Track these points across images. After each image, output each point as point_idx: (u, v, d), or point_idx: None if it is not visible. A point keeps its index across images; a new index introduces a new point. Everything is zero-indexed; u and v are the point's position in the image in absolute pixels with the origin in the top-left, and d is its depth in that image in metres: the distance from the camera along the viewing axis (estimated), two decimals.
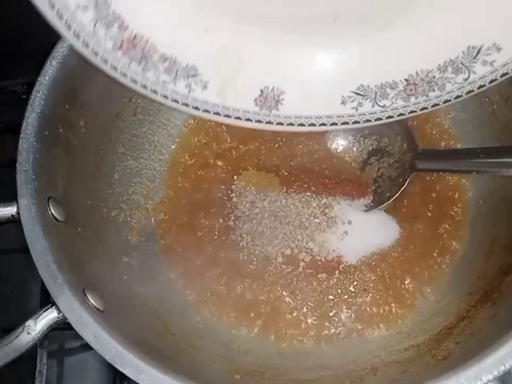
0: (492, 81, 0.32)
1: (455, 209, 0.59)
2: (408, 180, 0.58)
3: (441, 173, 0.59)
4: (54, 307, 0.42)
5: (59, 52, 0.52)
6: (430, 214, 0.59)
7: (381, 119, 0.34)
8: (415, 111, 0.33)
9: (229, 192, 0.62)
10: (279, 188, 0.60)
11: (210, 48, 0.33)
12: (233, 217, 0.61)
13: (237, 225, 0.60)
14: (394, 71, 0.33)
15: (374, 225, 0.58)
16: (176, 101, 0.34)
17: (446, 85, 0.33)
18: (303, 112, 0.34)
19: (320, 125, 0.34)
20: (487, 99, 0.60)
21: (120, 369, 0.40)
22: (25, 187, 0.47)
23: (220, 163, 0.64)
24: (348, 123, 0.34)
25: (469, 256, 0.56)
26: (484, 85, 0.32)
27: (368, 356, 0.52)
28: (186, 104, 0.34)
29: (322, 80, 0.34)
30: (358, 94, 0.33)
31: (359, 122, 0.34)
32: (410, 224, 0.58)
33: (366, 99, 0.33)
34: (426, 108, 0.34)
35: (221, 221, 0.61)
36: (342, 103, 0.34)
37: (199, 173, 0.64)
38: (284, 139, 0.64)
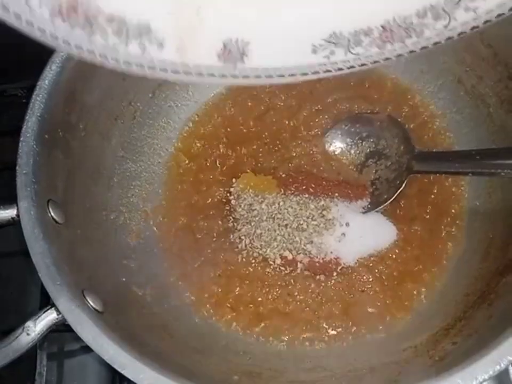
0: (473, 27, 0.30)
1: (452, 211, 0.59)
2: (405, 182, 0.58)
3: (438, 174, 0.59)
4: (53, 308, 0.43)
5: (59, 56, 0.53)
6: (427, 216, 0.59)
7: (354, 67, 0.32)
8: (390, 58, 0.31)
9: (228, 194, 0.63)
10: (277, 190, 0.61)
11: (163, 1, 0.30)
12: (231, 220, 0.61)
13: (236, 227, 0.60)
14: (370, 18, 0.31)
15: (371, 227, 0.58)
16: (128, 63, 0.31)
17: (424, 31, 0.31)
18: (271, 63, 0.31)
19: (290, 75, 0.32)
20: (482, 101, 0.60)
21: (119, 370, 0.40)
22: (25, 190, 0.47)
23: (218, 166, 0.64)
24: (318, 72, 0.32)
25: (466, 257, 0.57)
26: (465, 32, 0.30)
27: (365, 356, 0.52)
28: (140, 65, 0.32)
29: (291, 29, 0.32)
30: (330, 42, 0.31)
31: (330, 71, 0.32)
32: (407, 226, 0.59)
33: (339, 47, 0.31)
34: (402, 55, 0.31)
35: (220, 223, 0.61)
36: (313, 51, 0.31)
37: (198, 175, 0.64)
38: (282, 141, 0.64)
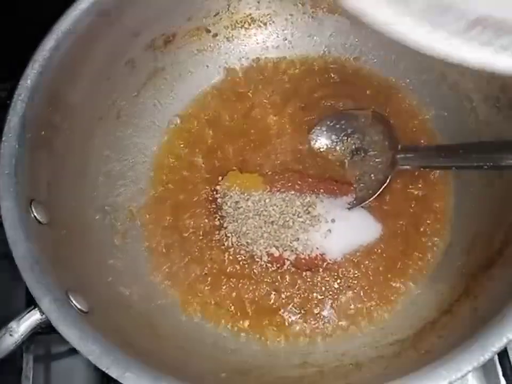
0: None
1: (437, 206, 0.59)
2: (390, 177, 0.58)
3: (422, 169, 0.60)
4: (36, 309, 0.42)
5: (41, 55, 0.52)
6: (412, 211, 0.59)
7: None
8: None
9: (214, 192, 0.62)
10: (262, 187, 0.61)
11: None
12: (218, 218, 0.61)
13: (222, 225, 0.60)
14: None
15: (357, 223, 0.59)
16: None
17: None
18: None
19: None
20: (466, 97, 0.61)
21: (104, 370, 0.40)
22: (7, 190, 0.47)
23: (204, 164, 0.64)
24: None
25: (451, 251, 0.57)
26: None
27: (353, 352, 0.52)
28: None
29: None
30: None
31: None
32: (392, 221, 0.59)
33: None
34: None
35: (206, 221, 0.61)
36: None
37: (184, 174, 0.64)
38: (268, 139, 0.64)
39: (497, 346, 0.38)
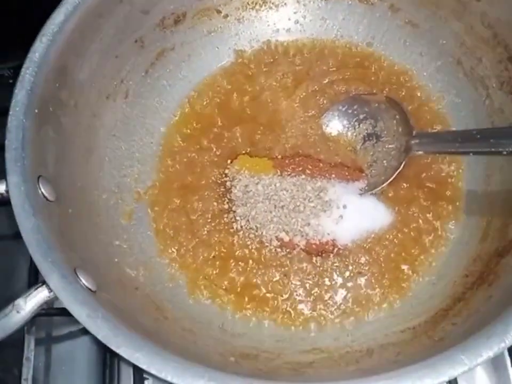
0: None
1: (450, 193, 0.59)
2: (403, 163, 0.57)
3: (437, 155, 0.59)
4: (44, 286, 0.41)
5: (50, 29, 0.51)
6: (425, 197, 0.58)
7: None
8: None
9: (222, 176, 0.61)
10: (273, 171, 0.60)
11: None
12: (226, 201, 0.60)
13: (231, 208, 0.59)
14: None
15: (369, 209, 0.58)
16: None
17: None
18: None
19: None
20: (482, 83, 0.60)
21: (114, 349, 0.38)
22: (14, 164, 0.45)
23: (213, 146, 0.63)
24: None
25: (465, 239, 0.56)
26: None
27: (363, 339, 0.51)
28: None
29: None
30: None
31: None
32: (405, 207, 0.58)
33: None
34: None
35: (215, 204, 0.60)
36: None
37: (192, 156, 0.62)
38: (278, 122, 0.63)
39: None
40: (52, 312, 0.57)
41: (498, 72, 0.57)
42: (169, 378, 0.37)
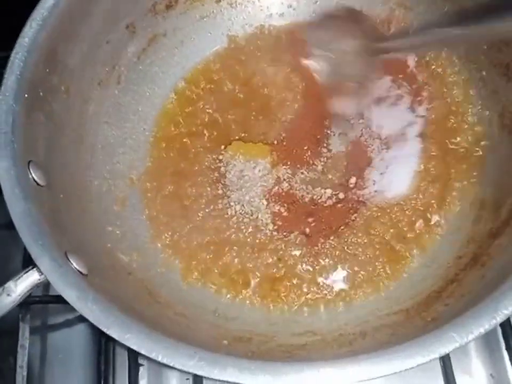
0: None
1: None
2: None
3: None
4: (35, 269, 0.41)
5: (39, 13, 0.51)
6: None
7: None
8: None
9: (217, 161, 0.61)
10: (268, 155, 0.59)
11: None
12: (221, 186, 0.60)
13: (225, 193, 0.59)
14: None
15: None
16: None
17: None
18: None
19: None
20: (475, 65, 0.59)
21: (104, 330, 0.38)
22: (4, 149, 0.45)
23: (206, 132, 0.63)
24: None
25: (458, 221, 0.56)
26: None
27: (356, 321, 0.51)
28: None
29: None
30: None
31: None
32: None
33: None
34: None
35: (208, 189, 0.60)
36: None
37: (185, 141, 0.62)
38: (271, 107, 0.63)
39: (509, 308, 0.37)
40: (46, 299, 0.57)
41: (492, 54, 0.57)
42: (159, 359, 0.37)
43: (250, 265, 0.55)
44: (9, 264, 0.63)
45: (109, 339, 0.48)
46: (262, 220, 0.57)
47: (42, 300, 0.57)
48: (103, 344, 0.55)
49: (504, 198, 0.52)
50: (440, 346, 0.37)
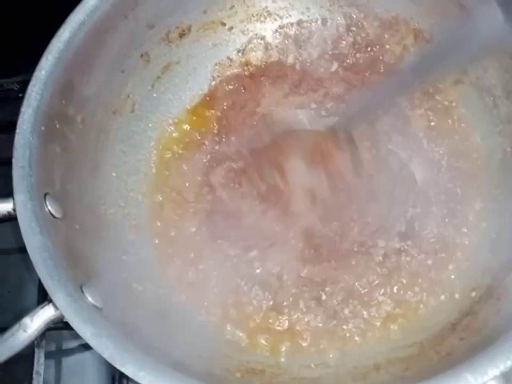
0: None
1: None
2: None
3: None
4: (50, 304, 0.41)
5: (55, 47, 0.52)
6: None
7: None
8: None
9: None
10: None
11: None
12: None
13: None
14: None
15: None
16: None
17: None
18: None
19: None
20: (488, 93, 0.59)
21: (119, 367, 0.39)
22: (21, 183, 0.46)
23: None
24: None
25: (472, 251, 0.56)
26: None
27: (370, 353, 0.51)
28: None
29: None
30: None
31: None
32: None
33: None
34: None
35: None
36: None
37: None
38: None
39: None
40: (61, 325, 0.57)
41: (505, 81, 0.57)
42: None
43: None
44: (24, 288, 0.64)
45: None
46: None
47: (58, 327, 0.57)
48: (117, 369, 0.55)
49: None
50: None
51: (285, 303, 0.55)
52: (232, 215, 0.59)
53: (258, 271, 0.57)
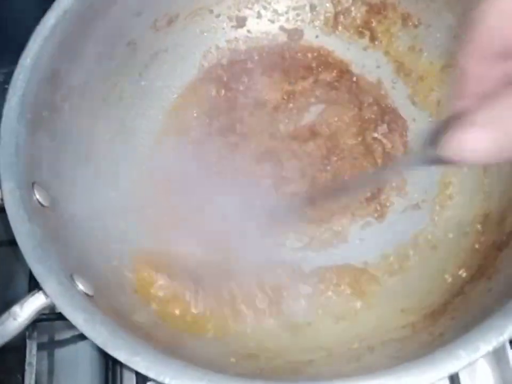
0: None
1: None
2: None
3: None
4: (40, 292, 0.41)
5: (41, 34, 0.51)
6: None
7: None
8: None
9: None
10: None
11: None
12: None
13: None
14: None
15: None
16: None
17: None
18: None
19: None
20: None
21: (112, 353, 0.38)
22: (8, 170, 0.45)
23: None
24: None
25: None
26: None
27: (363, 335, 0.51)
28: None
29: None
30: None
31: None
32: None
33: None
34: None
35: None
36: None
37: None
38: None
39: None
40: (53, 317, 0.57)
41: None
42: (167, 381, 0.37)
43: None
44: (14, 279, 0.63)
45: None
46: None
47: (49, 318, 0.57)
48: (110, 360, 0.55)
49: (508, 209, 0.52)
50: (448, 364, 0.36)
51: None
52: None
53: None
